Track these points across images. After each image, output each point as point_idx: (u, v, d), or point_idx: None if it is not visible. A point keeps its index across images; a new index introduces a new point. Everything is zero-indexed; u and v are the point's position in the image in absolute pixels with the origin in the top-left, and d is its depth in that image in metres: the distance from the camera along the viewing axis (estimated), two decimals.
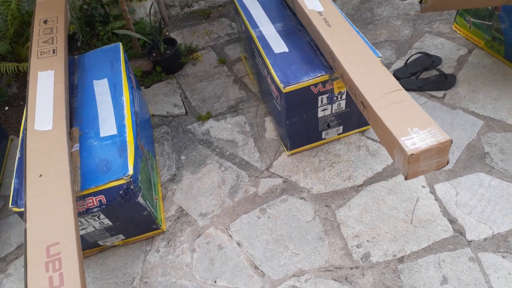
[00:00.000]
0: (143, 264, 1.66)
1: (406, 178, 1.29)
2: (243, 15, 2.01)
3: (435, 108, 2.02)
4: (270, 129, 2.08)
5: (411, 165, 1.23)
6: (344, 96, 1.77)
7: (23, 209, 1.30)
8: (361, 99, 1.41)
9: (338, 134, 1.96)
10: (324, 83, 1.67)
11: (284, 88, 1.62)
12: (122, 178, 1.41)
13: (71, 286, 1.09)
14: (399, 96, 1.35)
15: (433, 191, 1.72)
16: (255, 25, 1.94)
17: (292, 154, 1.95)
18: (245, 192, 1.84)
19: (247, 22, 1.96)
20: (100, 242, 1.67)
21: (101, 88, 1.76)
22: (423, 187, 1.75)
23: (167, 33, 2.67)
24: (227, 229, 1.73)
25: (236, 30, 2.66)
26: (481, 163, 1.78)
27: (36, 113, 1.51)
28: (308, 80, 1.64)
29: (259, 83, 2.14)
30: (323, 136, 1.93)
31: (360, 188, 1.78)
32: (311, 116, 1.80)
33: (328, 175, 1.85)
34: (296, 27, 1.91)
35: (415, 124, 1.25)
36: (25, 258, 1.16)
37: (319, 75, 1.65)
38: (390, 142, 1.30)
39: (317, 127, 1.86)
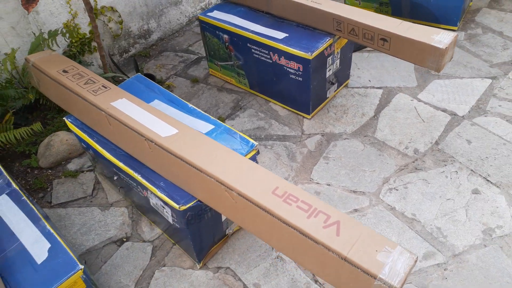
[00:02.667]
0: None
1: (439, 71, 1.88)
2: (226, 26, 2.35)
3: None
4: (279, 109, 2.45)
5: (444, 57, 1.83)
6: (339, 56, 2.31)
7: None
8: (381, 34, 1.96)
9: (334, 91, 2.48)
10: (330, 46, 2.17)
11: (311, 54, 2.06)
12: None
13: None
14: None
15: (419, 99, 2.39)
16: (243, 28, 2.31)
17: (312, 116, 2.37)
18: (301, 153, 2.17)
19: (234, 29, 2.32)
20: (226, 231, 1.77)
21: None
22: (411, 100, 2.40)
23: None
24: (311, 180, 2.03)
25: (184, 57, 2.93)
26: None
27: (151, 127, 1.58)
28: (322, 45, 2.11)
29: (260, 73, 2.42)
30: (327, 95, 2.41)
31: (376, 117, 2.32)
32: (322, 78, 2.26)
33: (348, 119, 2.33)
34: (276, 20, 2.36)
35: (434, 32, 1.87)
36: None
37: (327, 39, 2.14)
38: (420, 52, 1.88)
39: (324, 87, 2.34)
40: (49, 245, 1.38)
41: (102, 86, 1.80)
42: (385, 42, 1.98)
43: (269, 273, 1.67)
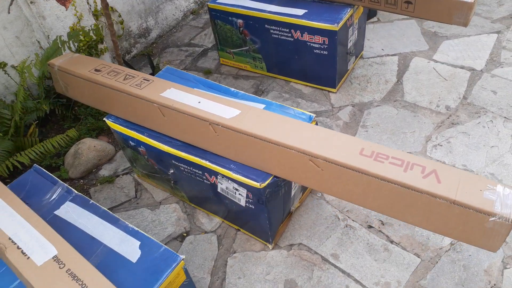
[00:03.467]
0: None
1: (466, 25, 1.95)
2: (240, 10, 2.32)
3: None
4: (302, 87, 2.46)
5: (472, 10, 1.89)
6: (357, 26, 2.34)
7: None
8: None
9: (353, 63, 2.51)
10: (351, 16, 2.20)
11: (337, 26, 2.07)
12: None
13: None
14: None
15: (436, 60, 2.46)
16: (258, 10, 2.29)
17: (337, 90, 2.39)
18: (338, 126, 2.18)
19: (249, 12, 2.29)
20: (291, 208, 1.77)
21: None
22: (428, 62, 2.47)
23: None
24: None
25: (189, 51, 2.87)
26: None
27: (211, 111, 1.54)
28: (345, 15, 2.13)
29: (280, 53, 2.39)
30: (348, 67, 2.44)
31: (399, 82, 2.37)
32: (344, 50, 2.29)
33: (373, 87, 2.37)
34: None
35: None
36: None
37: (349, 10, 2.16)
38: (447, 9, 1.93)
39: (346, 59, 2.36)
40: (138, 242, 1.32)
41: (143, 79, 1.74)
42: (409, 5, 2.02)
43: (343, 242, 1.68)
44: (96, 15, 2.53)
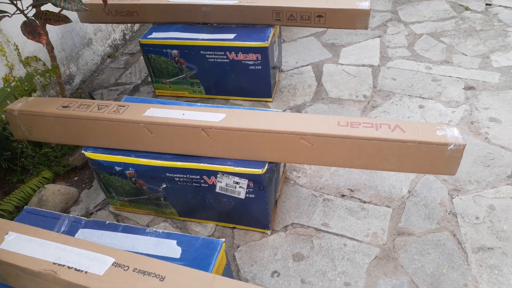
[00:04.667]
0: None
1: (367, 28, 2.46)
2: (174, 41, 2.53)
3: None
4: (242, 102, 2.72)
5: (369, 16, 2.40)
6: (277, 43, 2.72)
7: None
8: (317, 12, 2.45)
9: (277, 76, 2.87)
10: (273, 35, 2.57)
11: (267, 42, 2.42)
12: None
13: None
14: None
15: (342, 64, 2.97)
16: (192, 39, 2.53)
17: (273, 99, 2.71)
18: None
19: (184, 42, 2.52)
20: (276, 196, 1.98)
21: None
22: (336, 66, 2.96)
23: None
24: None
25: (120, 90, 2.94)
26: None
27: (198, 119, 1.71)
28: (270, 33, 2.49)
29: (217, 75, 2.68)
30: (275, 80, 2.79)
31: (320, 84, 2.80)
32: (271, 64, 2.64)
33: (301, 92, 2.75)
34: (217, 27, 2.63)
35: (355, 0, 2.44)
36: None
37: (271, 29, 2.53)
38: (351, 17, 2.42)
39: (273, 72, 2.71)
40: (174, 241, 1.41)
41: (118, 106, 1.82)
42: (321, 18, 2.47)
43: (327, 213, 1.95)
44: (24, 63, 2.48)
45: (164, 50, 2.59)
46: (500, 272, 1.65)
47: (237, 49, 2.47)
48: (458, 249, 1.75)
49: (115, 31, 3.39)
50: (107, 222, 1.50)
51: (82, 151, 1.83)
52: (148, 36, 2.60)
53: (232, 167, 1.67)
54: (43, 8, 1.84)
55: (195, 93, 2.78)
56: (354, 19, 2.42)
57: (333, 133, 1.59)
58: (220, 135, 1.67)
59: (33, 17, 1.73)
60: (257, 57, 2.48)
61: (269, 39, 2.43)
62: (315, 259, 1.77)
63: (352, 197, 2.02)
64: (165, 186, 1.83)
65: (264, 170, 1.64)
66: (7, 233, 1.34)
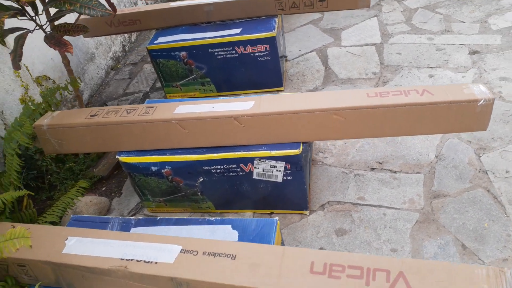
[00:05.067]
0: None
1: (369, 6, 2.51)
2: (181, 43, 2.56)
3: None
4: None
5: None
6: (282, 32, 2.76)
7: None
8: None
9: (284, 65, 2.90)
10: (278, 24, 2.61)
11: (274, 32, 2.46)
12: None
13: None
14: None
15: (345, 46, 3.02)
16: (198, 39, 2.56)
17: (284, 88, 2.75)
18: None
19: (191, 42, 2.54)
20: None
21: None
22: (340, 48, 3.01)
23: None
24: None
25: (130, 99, 2.96)
26: None
27: (229, 109, 1.74)
28: (275, 23, 2.53)
29: (227, 71, 2.72)
30: (284, 69, 2.83)
31: (328, 68, 2.85)
32: (279, 53, 2.68)
33: (311, 78, 2.79)
34: (221, 24, 2.67)
35: None
36: None
37: (276, 19, 2.57)
38: None
39: (282, 61, 2.75)
40: (229, 225, 1.43)
41: (147, 108, 1.85)
42: (323, 2, 2.51)
43: (361, 187, 1.99)
44: (37, 82, 2.49)
45: (172, 53, 2.61)
46: None
47: (245, 43, 2.50)
48: (495, 203, 1.79)
49: (115, 44, 3.40)
50: (158, 218, 1.52)
51: (116, 156, 1.85)
52: (155, 42, 2.62)
53: (268, 151, 1.70)
54: (58, 22, 1.86)
55: (206, 92, 2.81)
56: None
57: (364, 105, 1.63)
58: (253, 122, 1.70)
59: (50, 31, 1.74)
60: (265, 48, 2.51)
61: (276, 29, 2.47)
62: (358, 231, 1.80)
63: (382, 169, 2.06)
64: (202, 180, 1.85)
65: (300, 150, 1.68)
66: (67, 239, 1.35)
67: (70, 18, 2.50)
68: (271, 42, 2.47)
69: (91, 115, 1.85)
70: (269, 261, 1.15)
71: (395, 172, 2.03)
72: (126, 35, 3.53)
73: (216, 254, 1.19)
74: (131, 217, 1.55)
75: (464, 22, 2.98)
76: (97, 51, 3.16)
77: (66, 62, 2.08)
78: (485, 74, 2.48)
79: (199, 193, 1.93)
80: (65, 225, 1.60)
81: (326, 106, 1.65)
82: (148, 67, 3.29)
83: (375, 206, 1.89)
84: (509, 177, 1.88)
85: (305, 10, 2.57)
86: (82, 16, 2.23)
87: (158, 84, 3.08)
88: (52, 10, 1.86)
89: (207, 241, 1.26)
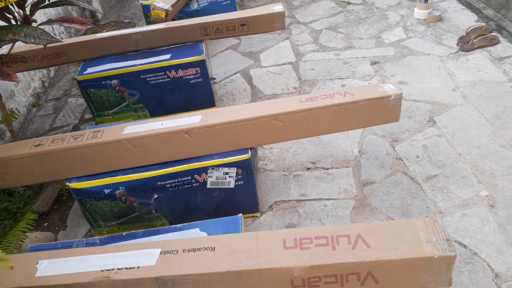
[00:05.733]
0: None
1: (284, 29, 2.82)
2: (112, 71, 2.62)
3: None
4: None
5: (285, 16, 2.77)
6: (208, 57, 2.94)
7: None
8: (240, 22, 2.74)
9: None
10: (205, 49, 2.79)
11: (203, 55, 2.64)
12: None
13: None
14: None
15: (265, 66, 3.30)
16: (129, 66, 2.64)
17: (217, 107, 2.92)
18: None
19: (122, 70, 2.61)
20: None
21: None
22: (261, 69, 3.28)
23: None
24: None
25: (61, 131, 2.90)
26: None
27: (178, 124, 1.85)
28: (202, 48, 2.72)
29: (160, 95, 2.81)
30: (213, 90, 3.01)
31: (253, 87, 3.09)
32: (208, 76, 2.85)
33: (239, 97, 3.00)
34: (149, 51, 2.78)
35: (271, 5, 2.78)
36: None
37: (202, 44, 2.76)
38: (269, 21, 2.76)
39: (211, 83, 2.93)
40: (196, 229, 1.54)
41: (93, 132, 1.89)
42: (244, 26, 2.76)
43: (301, 185, 2.21)
44: None
45: (103, 82, 2.65)
46: (448, 191, 2.05)
47: (176, 67, 2.63)
48: (413, 183, 2.13)
49: (34, 80, 3.30)
50: (124, 234, 1.57)
51: (66, 183, 1.85)
52: (84, 72, 2.64)
53: (221, 159, 1.84)
54: None
55: (140, 118, 2.86)
56: (273, 22, 2.76)
57: (299, 109, 1.86)
58: (203, 134, 1.84)
59: None
60: (196, 71, 2.67)
61: (203, 53, 2.65)
62: (305, 223, 2.00)
63: (316, 167, 2.30)
64: (157, 197, 1.92)
65: (249, 154, 1.85)
66: (37, 263, 1.35)
67: None
68: (201, 64, 2.64)
69: (35, 145, 1.84)
70: (246, 246, 1.28)
71: (327, 169, 2.28)
72: (44, 70, 3.44)
73: (196, 249, 1.29)
74: (96, 237, 1.57)
75: (362, 39, 3.45)
76: (16, 88, 3.05)
77: None
78: (386, 80, 2.90)
79: (153, 211, 1.99)
80: None
81: (267, 113, 1.85)
82: (73, 101, 3.25)
83: (316, 199, 2.11)
84: (420, 161, 2.23)
85: (228, 35, 2.80)
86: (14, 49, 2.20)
87: (87, 116, 3.06)
88: None
89: (185, 239, 1.35)
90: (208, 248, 1.29)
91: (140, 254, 1.31)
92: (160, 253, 1.30)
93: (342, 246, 1.22)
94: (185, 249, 1.30)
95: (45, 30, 1.76)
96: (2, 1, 1.47)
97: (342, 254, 1.20)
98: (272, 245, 1.26)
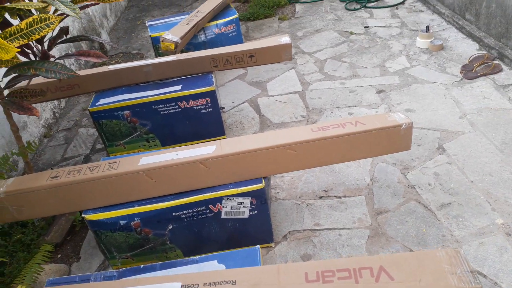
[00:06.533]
0: None
1: (291, 59, 2.88)
2: (125, 102, 2.66)
3: None
4: None
5: (291, 48, 2.83)
6: (217, 86, 3.00)
7: None
8: (249, 53, 2.81)
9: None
10: (214, 79, 2.85)
11: (213, 86, 2.69)
12: None
13: None
14: None
15: (272, 95, 3.35)
16: (141, 97, 2.68)
17: (227, 136, 2.95)
18: None
19: (134, 101, 2.66)
20: None
21: None
22: (268, 98, 3.33)
23: None
24: None
25: (71, 164, 2.92)
26: None
27: (192, 155, 1.87)
28: (212, 79, 2.77)
29: (171, 125, 2.84)
30: (223, 119, 3.04)
31: (261, 116, 3.13)
32: (218, 106, 2.90)
33: (248, 125, 3.04)
34: (160, 82, 2.83)
35: (277, 37, 2.85)
36: None
37: (212, 75, 2.82)
38: (277, 52, 2.82)
39: (220, 112, 2.97)
40: (214, 261, 1.53)
41: (109, 163, 1.91)
42: (252, 58, 2.83)
43: (314, 214, 2.21)
44: None
45: (115, 113, 2.69)
46: (463, 219, 2.05)
47: (187, 97, 2.68)
48: (426, 211, 2.12)
49: (45, 111, 3.35)
50: (142, 266, 1.56)
51: (82, 215, 1.85)
52: (96, 104, 2.68)
53: (235, 189, 1.85)
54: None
55: (151, 148, 2.89)
56: (280, 53, 2.83)
57: (311, 138, 1.88)
58: (217, 164, 1.85)
59: (7, 98, 1.77)
60: (206, 101, 2.72)
61: (214, 83, 2.70)
62: (321, 253, 2.00)
63: (328, 196, 2.31)
64: (171, 228, 1.92)
65: (263, 184, 1.86)
66: None
67: None
68: (212, 95, 2.69)
69: (52, 177, 1.85)
70: (268, 279, 1.27)
71: (340, 197, 2.29)
72: (55, 101, 3.50)
73: (217, 283, 1.29)
74: (113, 270, 1.56)
75: (367, 68, 3.51)
76: (28, 120, 3.09)
77: (14, 129, 2.06)
78: (393, 108, 2.94)
79: (168, 242, 1.98)
80: None
81: (281, 143, 1.87)
82: (84, 131, 3.29)
83: (330, 229, 2.11)
84: (432, 189, 2.24)
85: (237, 66, 2.86)
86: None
87: (98, 146, 3.09)
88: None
89: (205, 273, 1.35)
90: (229, 282, 1.29)
91: (160, 287, 1.31)
92: (181, 287, 1.30)
93: (365, 279, 1.21)
94: (206, 283, 1.29)
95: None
96: (25, 38, 1.51)
97: (365, 287, 1.19)
98: (294, 278, 1.26)
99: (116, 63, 4.31)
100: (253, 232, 2.00)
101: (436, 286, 1.17)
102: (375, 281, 1.20)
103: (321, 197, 2.31)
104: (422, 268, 1.22)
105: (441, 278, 1.18)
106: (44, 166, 2.93)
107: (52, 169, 2.74)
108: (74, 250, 2.25)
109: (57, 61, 2.05)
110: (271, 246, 2.07)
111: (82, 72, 2.78)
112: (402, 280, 1.19)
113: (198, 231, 1.96)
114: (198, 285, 1.30)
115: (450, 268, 1.20)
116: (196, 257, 1.56)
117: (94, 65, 4.22)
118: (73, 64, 4.01)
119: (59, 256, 2.23)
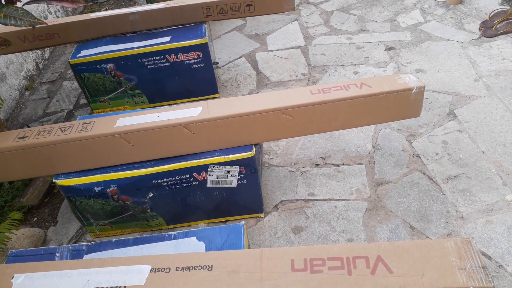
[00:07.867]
0: None
1: (294, 10, 2.59)
2: (108, 55, 2.43)
3: None
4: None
5: None
6: (211, 39, 2.74)
7: None
8: (246, 2, 2.52)
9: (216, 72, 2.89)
10: (207, 31, 2.59)
11: (205, 38, 2.43)
12: None
13: None
14: None
15: (272, 50, 3.09)
16: (126, 49, 2.44)
17: (220, 94, 2.73)
18: None
19: (119, 53, 2.42)
20: None
21: None
22: (267, 53, 3.07)
23: None
24: None
25: (53, 119, 2.73)
26: None
27: (176, 117, 1.68)
28: (205, 30, 2.51)
29: (159, 81, 2.63)
30: (216, 76, 2.81)
31: (259, 72, 2.89)
32: (211, 60, 2.66)
33: (244, 83, 2.81)
34: (148, 33, 2.58)
35: None
36: None
37: (205, 26, 2.55)
38: (277, 2, 2.54)
39: (214, 68, 2.73)
40: (193, 238, 1.38)
41: (83, 124, 1.72)
42: (251, 6, 2.55)
43: (309, 183, 2.04)
44: None
45: (98, 66, 2.46)
46: (470, 193, 1.88)
47: (176, 50, 2.44)
48: (431, 183, 1.95)
49: (27, 61, 3.12)
50: (113, 240, 1.42)
51: (53, 180, 1.69)
52: (78, 55, 2.45)
53: (222, 157, 1.67)
54: None
55: (138, 105, 2.69)
56: (281, 2, 2.55)
57: (310, 101, 1.67)
58: (203, 128, 1.66)
59: None
60: (198, 55, 2.48)
61: (206, 35, 2.45)
62: (314, 226, 1.84)
63: (326, 164, 2.13)
64: (152, 196, 1.76)
65: (253, 152, 1.68)
66: (13, 277, 1.20)
67: None
68: (204, 48, 2.45)
69: (19, 138, 1.67)
70: (249, 266, 1.12)
71: (338, 165, 2.11)
72: (38, 51, 3.25)
73: (191, 268, 1.14)
74: (82, 244, 1.41)
75: (376, 22, 3.22)
76: (7, 70, 2.87)
77: None
78: (402, 68, 2.69)
79: (148, 210, 1.83)
80: (3, 263, 1.42)
81: (275, 106, 1.66)
82: (68, 84, 3.07)
83: (325, 200, 1.95)
84: (439, 159, 2.05)
85: (233, 16, 2.59)
86: None
87: (82, 101, 2.88)
88: None
89: (178, 255, 1.19)
90: (204, 267, 1.13)
91: (128, 271, 1.16)
92: (151, 271, 1.15)
93: (359, 270, 1.05)
94: (179, 267, 1.14)
95: (38, 9, 1.57)
96: None
97: (359, 280, 1.03)
98: (279, 266, 1.10)
99: (107, 10, 4.00)
100: (241, 201, 1.85)
101: (441, 282, 1.01)
102: (371, 274, 1.04)
103: (317, 165, 2.13)
104: (426, 261, 1.05)
105: (448, 273, 1.02)
106: (24, 121, 2.75)
107: (28, 126, 2.57)
108: (51, 213, 2.11)
109: (26, 6, 1.81)
110: (260, 217, 1.92)
111: (62, 20, 2.53)
112: (402, 273, 1.03)
113: (182, 199, 1.80)
114: (169, 269, 1.14)
115: (458, 262, 1.04)
116: (174, 233, 1.41)
117: (82, 13, 3.93)
118: (59, 11, 3.72)
119: (35, 219, 2.09)
